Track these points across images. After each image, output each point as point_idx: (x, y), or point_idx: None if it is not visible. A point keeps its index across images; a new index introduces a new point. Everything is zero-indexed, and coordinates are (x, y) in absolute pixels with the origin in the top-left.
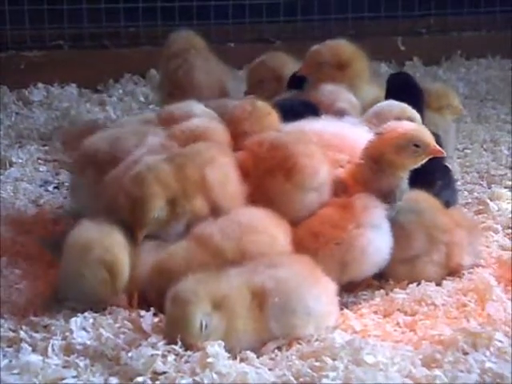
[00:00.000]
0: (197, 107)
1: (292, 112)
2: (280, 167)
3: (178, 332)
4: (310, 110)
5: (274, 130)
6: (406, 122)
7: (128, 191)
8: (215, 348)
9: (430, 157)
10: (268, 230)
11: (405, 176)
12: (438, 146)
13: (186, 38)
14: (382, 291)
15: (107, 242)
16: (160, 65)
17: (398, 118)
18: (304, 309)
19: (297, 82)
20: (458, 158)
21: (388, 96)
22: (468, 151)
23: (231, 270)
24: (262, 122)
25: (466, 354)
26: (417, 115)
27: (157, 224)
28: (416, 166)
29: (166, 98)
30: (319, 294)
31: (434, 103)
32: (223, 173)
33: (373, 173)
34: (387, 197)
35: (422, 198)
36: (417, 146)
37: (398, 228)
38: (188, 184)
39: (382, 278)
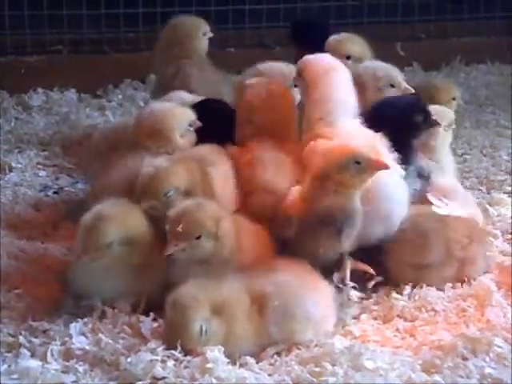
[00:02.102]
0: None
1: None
2: (242, 187)
3: (177, 337)
4: None
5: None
6: (350, 137)
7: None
8: (214, 353)
9: (377, 172)
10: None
11: (354, 196)
12: (382, 159)
13: (188, 24)
14: (382, 297)
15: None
16: (156, 50)
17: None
18: (303, 313)
19: None
20: (458, 163)
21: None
22: (467, 157)
23: (231, 275)
24: (276, 106)
25: (465, 359)
26: (399, 76)
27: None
28: (363, 185)
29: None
30: (318, 298)
31: (444, 96)
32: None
33: (319, 192)
34: (334, 219)
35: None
36: (358, 162)
37: (419, 232)
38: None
39: (388, 279)
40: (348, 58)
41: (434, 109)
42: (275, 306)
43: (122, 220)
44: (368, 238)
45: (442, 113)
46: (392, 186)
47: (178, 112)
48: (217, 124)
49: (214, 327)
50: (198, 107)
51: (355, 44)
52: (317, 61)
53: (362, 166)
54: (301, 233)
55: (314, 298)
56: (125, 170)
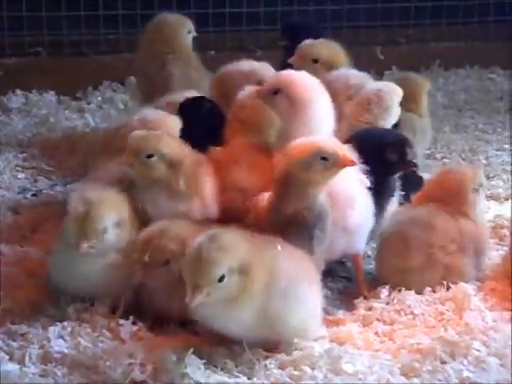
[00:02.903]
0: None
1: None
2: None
3: (195, 270)
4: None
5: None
6: (314, 136)
7: None
8: (193, 357)
9: (343, 169)
10: None
11: (318, 196)
12: (349, 156)
13: (173, 21)
14: (361, 300)
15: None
16: (140, 48)
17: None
18: (298, 308)
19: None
20: (437, 167)
21: None
22: (446, 160)
23: (260, 240)
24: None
25: (444, 363)
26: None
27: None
28: (328, 182)
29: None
30: (312, 293)
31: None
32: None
33: (284, 194)
34: (303, 220)
35: (439, 213)
36: (324, 158)
37: (400, 237)
38: None
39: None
40: (315, 61)
41: (384, 85)
42: (281, 289)
43: (113, 204)
44: (331, 251)
45: (393, 89)
46: (354, 193)
47: (169, 120)
48: (204, 123)
49: (231, 283)
50: (186, 106)
51: (325, 48)
52: (302, 80)
53: (329, 162)
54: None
55: (310, 293)
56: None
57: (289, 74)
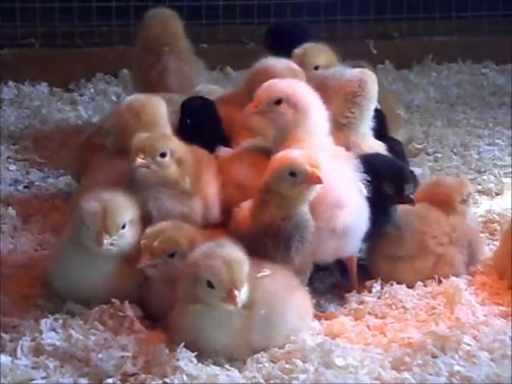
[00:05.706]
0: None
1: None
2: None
3: (224, 270)
4: None
5: None
6: (296, 148)
7: None
8: (185, 350)
9: (314, 185)
10: None
11: (299, 207)
12: (317, 173)
13: (165, 23)
14: (353, 294)
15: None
16: (137, 42)
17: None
18: (284, 324)
19: None
20: (429, 161)
21: None
22: (438, 155)
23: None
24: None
25: (434, 357)
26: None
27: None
28: (308, 197)
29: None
30: (298, 305)
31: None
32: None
33: (263, 205)
34: (280, 229)
35: (432, 208)
36: (293, 174)
37: (393, 224)
38: None
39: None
40: (316, 68)
41: (361, 74)
42: (260, 315)
43: (126, 202)
44: (320, 253)
45: (370, 75)
46: (343, 194)
47: (155, 101)
48: (207, 123)
49: (244, 292)
50: (187, 106)
51: (321, 53)
52: (299, 86)
53: (297, 178)
54: (251, 246)
55: (295, 306)
56: None
57: (283, 82)
